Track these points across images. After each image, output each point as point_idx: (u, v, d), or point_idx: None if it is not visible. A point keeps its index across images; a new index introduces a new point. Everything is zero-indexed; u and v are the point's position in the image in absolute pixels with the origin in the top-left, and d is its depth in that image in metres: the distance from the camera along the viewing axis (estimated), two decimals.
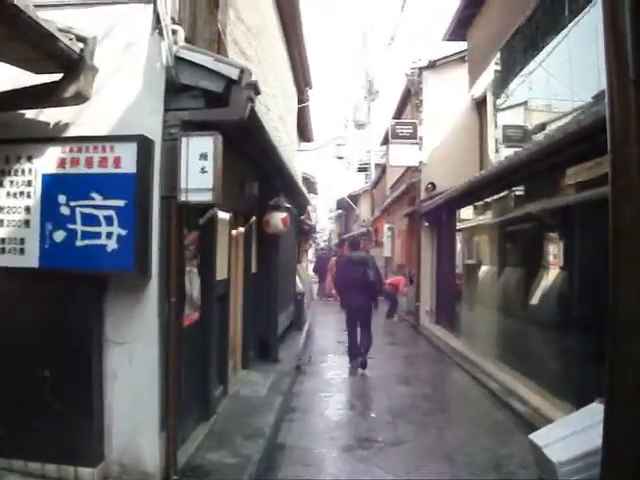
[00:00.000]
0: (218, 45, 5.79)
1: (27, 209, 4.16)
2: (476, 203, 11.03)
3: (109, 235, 4.04)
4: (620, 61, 2.99)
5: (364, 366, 9.46)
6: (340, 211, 43.13)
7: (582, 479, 3.83)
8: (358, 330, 9.67)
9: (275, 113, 9.78)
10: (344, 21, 57.25)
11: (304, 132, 18.48)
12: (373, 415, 6.96)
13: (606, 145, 3.05)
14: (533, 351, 7.50)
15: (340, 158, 23.54)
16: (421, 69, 15.15)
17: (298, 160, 16.09)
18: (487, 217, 10.40)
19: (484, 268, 10.59)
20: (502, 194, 9.26)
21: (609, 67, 3.03)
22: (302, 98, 15.46)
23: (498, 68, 10.62)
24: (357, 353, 9.56)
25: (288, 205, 9.40)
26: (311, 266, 26.84)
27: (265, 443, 5.30)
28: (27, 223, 4.15)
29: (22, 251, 4.15)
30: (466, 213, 12.03)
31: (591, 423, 3.94)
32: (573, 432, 4.13)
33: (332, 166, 34.60)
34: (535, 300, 7.54)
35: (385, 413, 6.95)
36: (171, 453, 4.27)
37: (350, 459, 5.42)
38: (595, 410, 4.04)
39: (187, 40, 4.71)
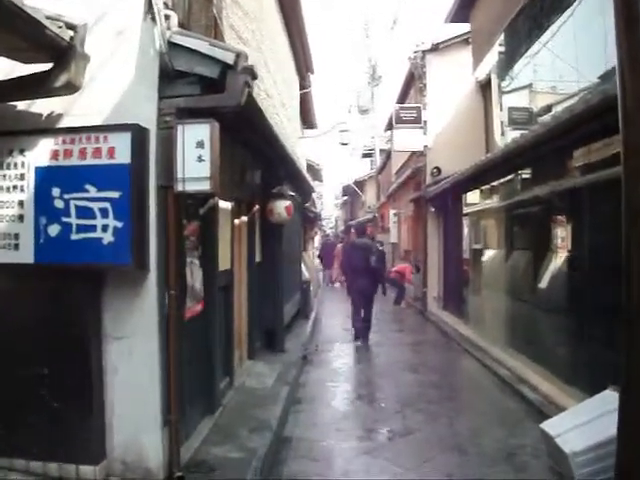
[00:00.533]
0: (215, 30, 5.64)
1: (20, 203, 4.06)
2: (483, 187, 10.88)
3: (105, 228, 3.94)
4: (631, 35, 2.87)
5: (368, 328, 10.71)
6: (346, 198, 42.93)
7: (596, 469, 3.74)
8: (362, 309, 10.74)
9: (276, 99, 9.62)
10: (346, 6, 56.71)
11: (307, 118, 18.31)
12: (382, 405, 6.86)
13: (615, 124, 2.94)
14: (543, 337, 7.37)
15: (344, 144, 23.27)
16: (424, 52, 14.89)
17: (302, 147, 15.95)
18: (494, 201, 10.25)
19: (492, 253, 10.46)
20: (509, 177, 9.11)
21: (619, 42, 2.91)
22: (304, 84, 15.28)
23: (502, 50, 10.41)
24: (360, 327, 10.57)
25: (292, 193, 9.30)
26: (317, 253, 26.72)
27: (271, 436, 5.22)
28: (21, 218, 4.06)
29: (17, 246, 4.06)
30: (472, 197, 11.88)
31: (604, 411, 3.85)
32: (586, 421, 4.03)
33: (337, 152, 34.41)
34: (544, 284, 7.41)
35: (393, 402, 6.86)
36: (174, 448, 4.19)
37: (358, 451, 5.33)
38: (609, 397, 3.95)
39: (182, 26, 4.58)
